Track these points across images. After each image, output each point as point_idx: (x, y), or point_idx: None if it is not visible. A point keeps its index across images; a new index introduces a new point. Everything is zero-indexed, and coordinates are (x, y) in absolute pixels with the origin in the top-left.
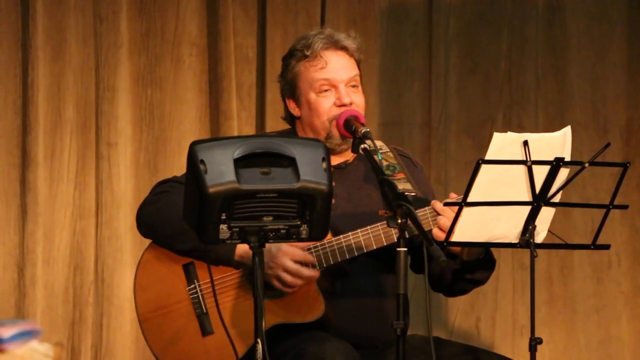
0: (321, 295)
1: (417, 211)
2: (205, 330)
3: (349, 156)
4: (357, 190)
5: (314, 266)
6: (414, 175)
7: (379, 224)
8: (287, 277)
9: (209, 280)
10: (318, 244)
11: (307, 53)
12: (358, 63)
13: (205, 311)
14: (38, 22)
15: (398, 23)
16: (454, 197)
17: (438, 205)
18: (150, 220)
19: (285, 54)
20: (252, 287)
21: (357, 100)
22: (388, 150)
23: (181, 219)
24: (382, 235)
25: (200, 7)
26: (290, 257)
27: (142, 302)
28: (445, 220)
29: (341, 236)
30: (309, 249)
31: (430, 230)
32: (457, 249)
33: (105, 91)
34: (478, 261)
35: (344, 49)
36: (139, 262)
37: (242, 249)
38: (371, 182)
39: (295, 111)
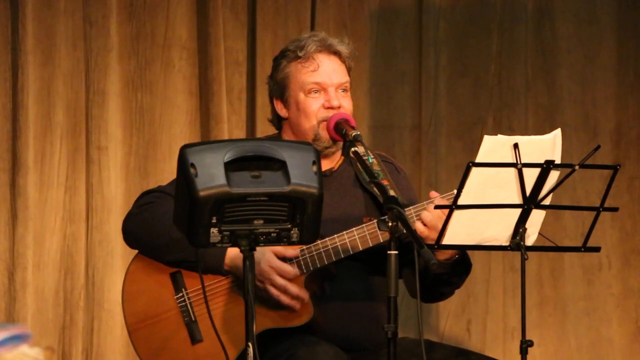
0: (309, 299)
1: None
2: (195, 338)
3: (334, 162)
4: (342, 197)
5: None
6: (398, 181)
7: (364, 224)
8: (274, 292)
9: (197, 288)
10: (304, 247)
11: (300, 54)
12: (349, 70)
13: (194, 319)
14: (28, 26)
15: (388, 26)
16: (434, 195)
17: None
18: (137, 232)
19: (276, 55)
20: (240, 293)
21: (345, 104)
22: (372, 156)
23: (168, 231)
24: (368, 236)
25: (190, 11)
26: (277, 272)
27: (131, 312)
28: (427, 213)
29: (327, 239)
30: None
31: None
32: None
33: (95, 95)
34: (452, 263)
35: (336, 53)
36: (126, 272)
37: (230, 257)
38: (356, 188)
39: (282, 112)
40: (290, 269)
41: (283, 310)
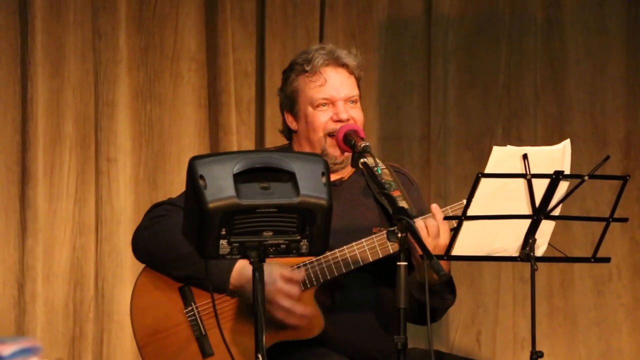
0: (320, 311)
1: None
2: (205, 352)
3: (344, 173)
4: (351, 208)
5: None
6: (410, 192)
7: (373, 236)
8: (281, 314)
9: (206, 302)
10: (314, 258)
11: (307, 68)
12: (358, 81)
13: (204, 333)
14: (37, 39)
15: (397, 37)
16: (435, 208)
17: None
18: (147, 245)
19: (285, 68)
20: (249, 313)
21: (355, 115)
22: (384, 167)
23: (177, 246)
24: (378, 248)
25: (199, 23)
26: (284, 294)
27: (140, 327)
28: (434, 222)
29: (336, 250)
30: (304, 265)
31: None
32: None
33: (104, 107)
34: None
35: (344, 66)
36: (134, 286)
37: (236, 278)
38: (366, 198)
39: (292, 125)
40: (296, 290)
41: None
